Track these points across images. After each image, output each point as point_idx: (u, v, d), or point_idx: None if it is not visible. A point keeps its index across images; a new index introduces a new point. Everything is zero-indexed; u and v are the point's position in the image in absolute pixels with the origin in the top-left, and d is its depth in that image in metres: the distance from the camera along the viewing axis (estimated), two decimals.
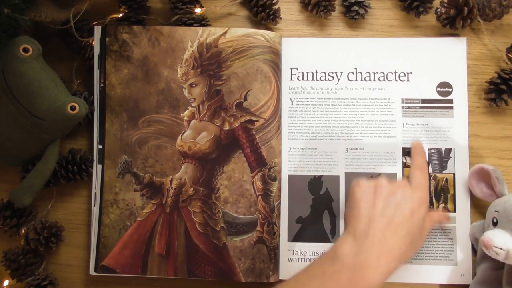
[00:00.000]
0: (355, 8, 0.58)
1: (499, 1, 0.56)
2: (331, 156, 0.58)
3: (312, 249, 0.57)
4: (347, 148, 0.58)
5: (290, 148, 0.58)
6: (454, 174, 0.57)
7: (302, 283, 0.45)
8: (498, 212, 0.50)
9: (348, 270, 0.44)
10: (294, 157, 0.58)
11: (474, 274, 0.56)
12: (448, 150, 0.58)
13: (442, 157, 0.58)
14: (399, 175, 0.57)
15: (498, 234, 0.48)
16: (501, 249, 0.47)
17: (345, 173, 0.58)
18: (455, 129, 0.58)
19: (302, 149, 0.58)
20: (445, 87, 0.58)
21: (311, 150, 0.58)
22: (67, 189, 0.58)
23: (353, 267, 0.44)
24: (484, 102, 0.58)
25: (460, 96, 0.58)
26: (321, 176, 0.58)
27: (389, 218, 0.47)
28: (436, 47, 0.59)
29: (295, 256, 0.57)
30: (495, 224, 0.50)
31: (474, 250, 0.56)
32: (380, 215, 0.47)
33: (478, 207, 0.57)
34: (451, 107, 0.58)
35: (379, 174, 0.57)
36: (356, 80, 0.59)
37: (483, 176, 0.54)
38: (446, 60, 0.59)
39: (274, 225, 0.56)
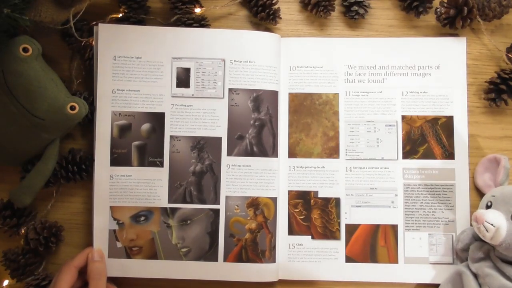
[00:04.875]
0: (355, 8, 0.58)
1: (499, 1, 0.56)
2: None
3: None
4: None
5: None
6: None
7: None
8: (494, 196, 0.51)
9: None
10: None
11: None
12: None
13: None
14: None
15: (491, 212, 0.50)
16: (491, 224, 0.48)
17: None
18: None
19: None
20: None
21: None
22: (67, 189, 0.58)
23: None
24: (484, 102, 0.58)
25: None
26: None
27: None
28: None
29: None
30: (488, 207, 0.51)
31: None
32: None
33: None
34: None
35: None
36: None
37: (491, 167, 0.56)
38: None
39: None
